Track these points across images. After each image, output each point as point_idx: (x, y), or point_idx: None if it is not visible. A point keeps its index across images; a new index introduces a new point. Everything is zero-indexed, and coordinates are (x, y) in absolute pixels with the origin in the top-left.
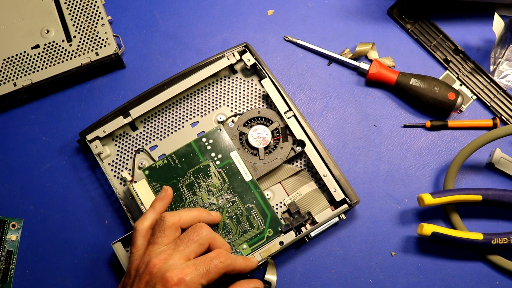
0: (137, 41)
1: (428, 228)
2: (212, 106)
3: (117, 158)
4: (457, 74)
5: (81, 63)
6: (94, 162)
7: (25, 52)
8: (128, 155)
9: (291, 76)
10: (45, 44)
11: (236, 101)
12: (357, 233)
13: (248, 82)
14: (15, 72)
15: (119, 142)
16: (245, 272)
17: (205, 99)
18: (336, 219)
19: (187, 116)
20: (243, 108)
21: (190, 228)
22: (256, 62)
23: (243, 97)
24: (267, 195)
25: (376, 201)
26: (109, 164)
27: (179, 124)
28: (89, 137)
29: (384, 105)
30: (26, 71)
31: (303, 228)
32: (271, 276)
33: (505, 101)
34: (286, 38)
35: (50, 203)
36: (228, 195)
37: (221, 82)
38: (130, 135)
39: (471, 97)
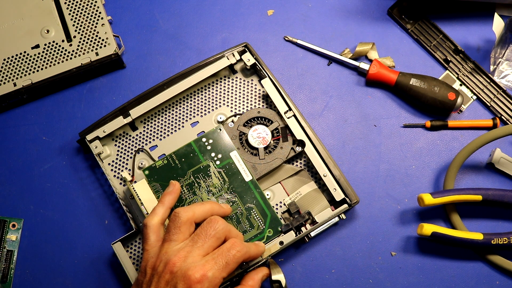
0: (137, 41)
1: (428, 228)
2: (212, 106)
3: (117, 158)
4: (457, 74)
5: (81, 63)
6: (94, 162)
7: (25, 52)
8: (128, 155)
9: (291, 76)
10: (45, 44)
11: (236, 101)
12: (357, 233)
13: (248, 82)
14: (15, 72)
15: (119, 142)
16: (257, 257)
17: (205, 99)
18: (336, 219)
19: (187, 116)
20: (243, 108)
21: (205, 222)
22: (256, 62)
23: (243, 97)
24: (267, 195)
25: (376, 201)
26: (109, 164)
27: (179, 124)
28: (89, 137)
29: (384, 105)
30: (26, 71)
31: (303, 228)
32: (277, 275)
33: (505, 101)
34: (286, 38)
35: (50, 203)
36: (228, 195)
37: (221, 82)
38: (130, 135)
39: (471, 97)
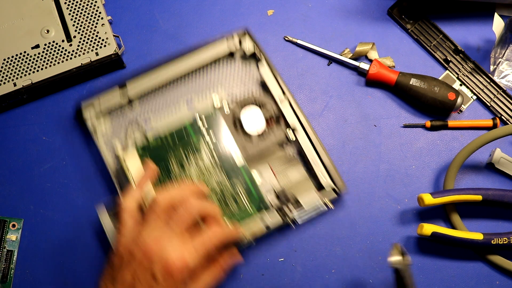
0: (137, 41)
1: (428, 228)
2: (209, 89)
3: (111, 133)
4: (457, 74)
5: (81, 63)
6: (89, 136)
7: (25, 52)
8: (123, 130)
9: (291, 76)
10: (45, 44)
11: (233, 85)
12: (357, 233)
13: (246, 67)
14: (15, 72)
15: (115, 118)
16: (234, 241)
17: (203, 81)
18: (323, 206)
19: (183, 97)
20: (240, 92)
21: (179, 206)
22: (255, 47)
23: (241, 81)
24: (256, 178)
25: (376, 201)
26: (103, 138)
27: (175, 104)
28: (85, 109)
29: (384, 105)
30: (26, 71)
31: (289, 213)
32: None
33: (505, 101)
34: (286, 38)
35: (50, 203)
36: (218, 175)
37: (219, 65)
38: (126, 111)
39: (471, 97)
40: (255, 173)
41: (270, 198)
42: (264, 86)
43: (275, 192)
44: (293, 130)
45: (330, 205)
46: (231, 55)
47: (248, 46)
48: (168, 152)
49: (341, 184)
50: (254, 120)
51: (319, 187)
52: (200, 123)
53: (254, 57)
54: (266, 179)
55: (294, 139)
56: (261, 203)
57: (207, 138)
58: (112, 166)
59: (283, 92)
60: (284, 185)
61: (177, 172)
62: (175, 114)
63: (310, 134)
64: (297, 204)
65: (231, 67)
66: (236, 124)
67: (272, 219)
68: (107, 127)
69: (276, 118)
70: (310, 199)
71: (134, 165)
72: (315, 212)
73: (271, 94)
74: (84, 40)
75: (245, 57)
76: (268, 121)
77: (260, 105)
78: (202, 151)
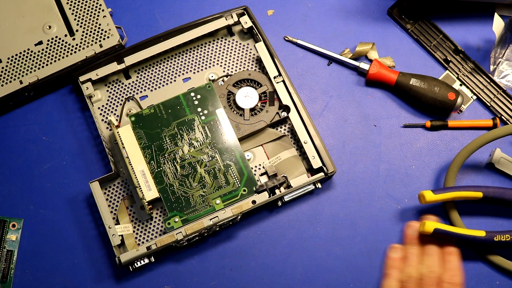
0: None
1: (430, 225)
2: (206, 65)
3: (107, 103)
4: (457, 74)
5: (86, 56)
6: (84, 105)
7: (28, 49)
8: (118, 102)
9: (291, 76)
10: (48, 40)
11: (229, 62)
12: (357, 233)
13: (244, 45)
14: (20, 70)
15: (111, 88)
16: None
17: (200, 57)
18: (311, 186)
19: (180, 71)
20: (236, 70)
21: None
22: (253, 25)
23: (237, 59)
24: (247, 156)
25: (376, 201)
26: (98, 108)
27: (172, 78)
28: (82, 78)
29: (384, 105)
30: (32, 68)
31: (277, 191)
32: None
33: (505, 101)
34: (286, 38)
35: (50, 203)
36: (209, 150)
37: (217, 42)
38: (123, 83)
39: (471, 97)
40: (246, 150)
41: (259, 176)
42: (260, 64)
43: (265, 170)
44: (286, 110)
45: (319, 185)
46: (230, 32)
47: (246, 21)
48: (160, 121)
49: (330, 166)
50: (248, 97)
51: (309, 167)
52: (193, 94)
53: (252, 34)
54: (257, 157)
55: (287, 119)
56: (250, 180)
57: (199, 110)
58: (105, 135)
59: (279, 72)
60: (274, 164)
61: (168, 142)
62: (171, 86)
63: (302, 114)
64: (286, 183)
65: (229, 44)
66: (230, 99)
67: (260, 195)
68: (103, 97)
69: (269, 96)
70: (299, 179)
71: (125, 133)
72: (303, 192)
73: (266, 72)
74: (86, 33)
75: (243, 34)
76: (261, 98)
77: (255, 83)
78: (193, 123)
